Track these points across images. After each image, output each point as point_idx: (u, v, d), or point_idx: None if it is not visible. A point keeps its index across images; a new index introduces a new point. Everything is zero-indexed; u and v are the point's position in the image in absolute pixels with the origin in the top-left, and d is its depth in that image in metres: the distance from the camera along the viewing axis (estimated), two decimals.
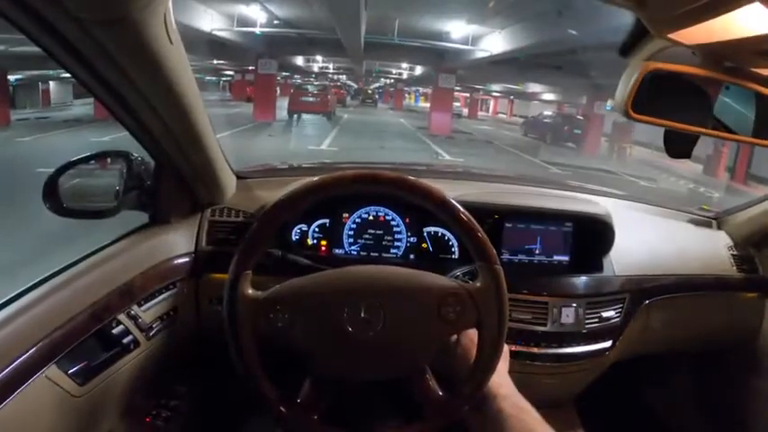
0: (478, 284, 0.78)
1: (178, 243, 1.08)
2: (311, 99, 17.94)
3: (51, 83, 18.23)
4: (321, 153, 10.98)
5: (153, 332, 0.99)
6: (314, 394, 0.80)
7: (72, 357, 0.82)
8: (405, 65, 23.67)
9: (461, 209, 0.79)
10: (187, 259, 1.08)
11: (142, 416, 1.12)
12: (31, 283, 0.84)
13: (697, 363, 1.53)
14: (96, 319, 0.86)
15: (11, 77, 16.43)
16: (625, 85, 0.59)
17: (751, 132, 0.65)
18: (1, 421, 0.70)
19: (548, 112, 21.13)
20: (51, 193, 0.94)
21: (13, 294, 0.81)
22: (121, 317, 0.92)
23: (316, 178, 0.81)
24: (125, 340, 0.92)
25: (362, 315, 0.76)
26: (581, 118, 18.90)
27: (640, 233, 1.29)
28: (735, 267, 1.33)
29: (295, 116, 17.85)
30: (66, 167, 0.97)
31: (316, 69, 30.85)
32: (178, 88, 0.81)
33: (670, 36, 0.54)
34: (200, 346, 1.18)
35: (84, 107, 15.55)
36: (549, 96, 25.61)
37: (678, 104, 0.61)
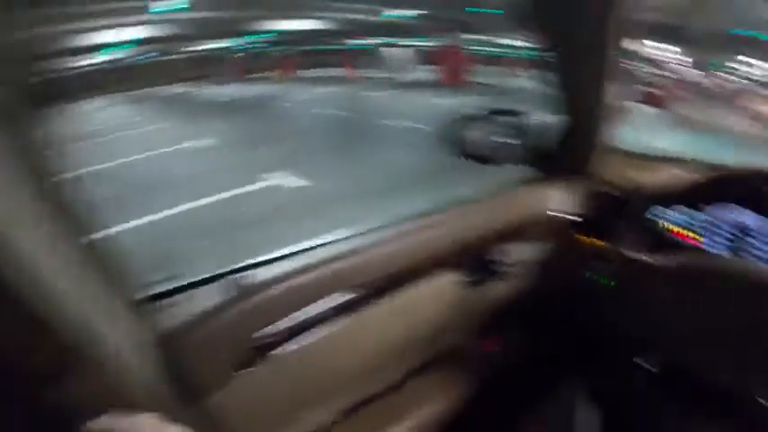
0: None
1: (557, 201, 1.14)
2: (657, 91, 15.92)
3: (392, 49, 20.04)
4: (681, 153, 9.67)
5: (521, 271, 1.10)
6: (662, 372, 0.92)
7: (458, 270, 0.98)
8: (757, 62, 18.96)
9: None
10: (563, 217, 1.14)
11: (489, 339, 1.19)
12: (433, 206, 1.01)
13: None
14: (482, 246, 1.02)
15: (359, 41, 19.61)
16: None
17: None
18: (392, 305, 0.86)
19: None
20: (454, 138, 1.12)
21: (419, 211, 0.99)
22: (501, 250, 1.05)
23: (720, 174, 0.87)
24: (500, 269, 1.05)
25: (739, 308, 0.78)
26: None
27: None
28: None
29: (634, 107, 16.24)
30: (466, 120, 1.13)
31: (652, 56, 27.19)
32: (611, 63, 0.95)
33: None
34: (550, 297, 1.21)
35: (428, 73, 16.91)
36: None
37: None
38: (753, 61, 18.58)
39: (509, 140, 1.12)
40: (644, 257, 0.85)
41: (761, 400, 0.82)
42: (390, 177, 5.54)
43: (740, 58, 18.75)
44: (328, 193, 5.09)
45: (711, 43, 15.42)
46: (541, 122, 1.14)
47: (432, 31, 14.98)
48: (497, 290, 1.07)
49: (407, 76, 17.45)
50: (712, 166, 1.05)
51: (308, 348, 0.77)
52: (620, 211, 0.90)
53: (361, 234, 0.88)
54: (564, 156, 1.16)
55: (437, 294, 0.95)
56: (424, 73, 17.39)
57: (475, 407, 1.09)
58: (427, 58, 18.21)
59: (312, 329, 0.78)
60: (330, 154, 6.92)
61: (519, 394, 1.18)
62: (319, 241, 0.86)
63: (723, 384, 0.86)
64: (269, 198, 5.22)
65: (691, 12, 10.75)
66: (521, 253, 1.09)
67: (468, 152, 1.12)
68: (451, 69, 14.75)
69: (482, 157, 1.13)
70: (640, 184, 0.97)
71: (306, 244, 0.86)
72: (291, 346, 0.76)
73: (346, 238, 0.87)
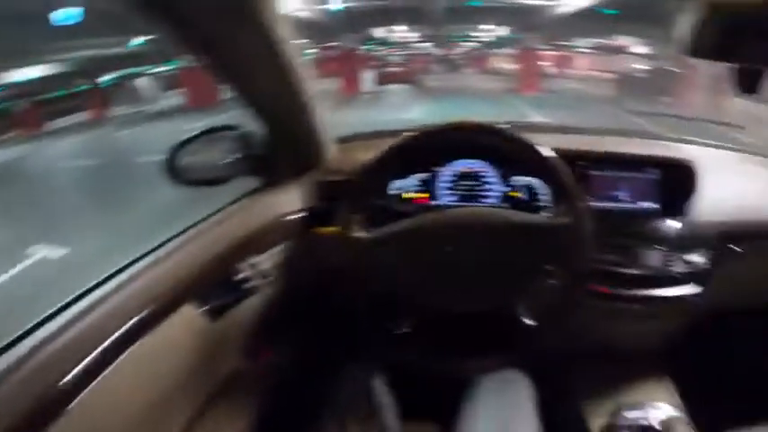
0: (566, 220, 0.84)
1: (288, 202, 1.17)
2: (396, 69, 18.54)
3: (140, 79, 19.19)
4: (410, 123, 10.99)
5: (269, 280, 1.08)
6: (414, 327, 0.93)
7: (204, 298, 0.92)
8: (488, 27, 23.07)
9: (550, 153, 0.86)
10: (297, 216, 1.17)
11: (261, 354, 1.19)
12: (169, 236, 0.97)
13: None
14: (223, 266, 0.97)
15: (104, 78, 18.14)
16: (688, 24, 0.59)
17: None
18: (145, 351, 0.78)
19: (641, 66, 19.45)
20: (171, 168, 1.05)
21: (155, 245, 0.95)
22: (243, 265, 1.02)
23: (408, 135, 0.90)
24: (247, 285, 1.02)
25: (462, 249, 0.85)
26: (676, 71, 17.34)
27: (728, 179, 1.25)
28: None
29: (381, 87, 18.22)
30: (182, 145, 1.07)
31: (398, 39, 30.80)
32: (290, 61, 0.95)
33: None
34: (310, 294, 1.28)
35: (174, 98, 16.44)
36: (640, 50, 23.50)
37: (746, 41, 0.58)
38: (486, 27, 22.21)
39: (230, 156, 1.12)
40: (368, 233, 0.89)
41: (523, 319, 0.92)
42: (145, 218, 5.58)
43: (479, 26, 22.20)
44: (90, 254, 4.75)
45: (451, 17, 17.80)
46: (259, 131, 1.15)
47: (173, 55, 14.61)
48: (251, 305, 1.05)
49: (156, 105, 16.83)
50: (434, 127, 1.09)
51: (77, 411, 0.69)
52: (346, 194, 0.91)
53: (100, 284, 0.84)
54: (287, 158, 1.19)
55: (189, 328, 0.89)
56: (173, 99, 16.96)
57: (273, 423, 1.12)
58: (174, 82, 17.65)
59: (79, 393, 0.70)
60: (87, 210, 6.77)
61: (312, 395, 1.17)
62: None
63: (476, 322, 0.93)
64: (38, 275, 4.65)
65: None
66: (265, 263, 1.08)
67: (191, 178, 1.08)
68: (197, 91, 14.65)
69: (206, 180, 1.11)
70: (366, 162, 0.97)
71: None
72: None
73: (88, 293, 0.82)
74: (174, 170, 1.04)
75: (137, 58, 15.37)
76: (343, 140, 1.34)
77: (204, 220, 1.05)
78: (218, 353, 0.98)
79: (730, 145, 1.49)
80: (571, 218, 0.84)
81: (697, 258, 1.14)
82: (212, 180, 1.11)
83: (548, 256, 0.87)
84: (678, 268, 1.14)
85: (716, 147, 1.44)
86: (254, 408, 1.12)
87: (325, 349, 1.38)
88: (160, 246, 0.94)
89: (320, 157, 1.23)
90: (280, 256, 1.13)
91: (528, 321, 0.90)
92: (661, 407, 1.15)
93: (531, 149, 0.86)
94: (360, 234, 0.88)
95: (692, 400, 1.24)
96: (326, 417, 1.08)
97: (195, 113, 13.05)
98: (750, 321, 1.45)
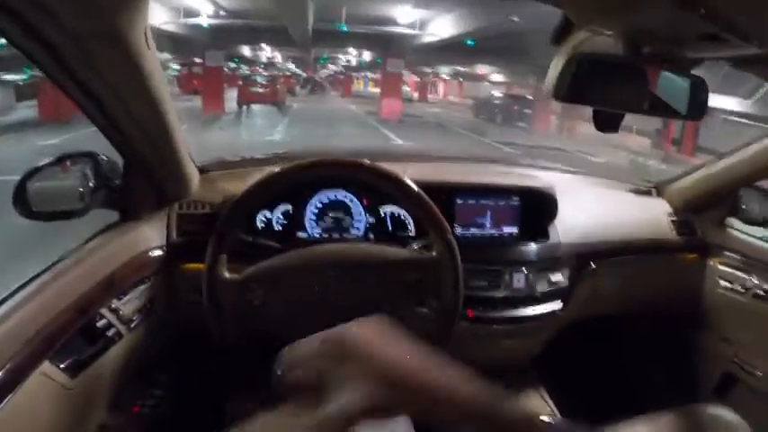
0: (434, 254, 0.87)
1: (150, 237, 1.11)
2: (260, 90, 17.87)
3: None
4: (274, 144, 10.78)
5: (134, 324, 1.01)
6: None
7: (62, 352, 0.84)
8: (353, 51, 23.59)
9: (414, 186, 0.88)
10: (160, 252, 1.11)
11: (130, 406, 1.16)
12: (18, 285, 0.86)
13: (649, 320, 1.61)
14: (81, 314, 0.88)
15: None
16: (555, 71, 0.63)
17: (686, 110, 0.67)
18: (2, 418, 0.70)
19: (497, 93, 21.29)
20: (20, 198, 0.95)
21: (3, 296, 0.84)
22: (104, 311, 0.94)
23: (278, 168, 0.89)
24: (109, 333, 0.94)
25: (331, 287, 0.86)
26: (531, 98, 19.07)
27: (584, 203, 1.37)
28: (674, 232, 1.43)
29: (245, 107, 17.64)
30: (33, 173, 0.96)
31: (264, 59, 30.28)
32: (152, 89, 0.86)
33: (592, 27, 0.60)
34: (179, 334, 1.22)
35: (28, 110, 14.40)
36: (498, 77, 25.82)
37: (609, 87, 0.63)
38: (352, 51, 22.60)
39: (87, 186, 1.00)
40: (234, 274, 0.87)
41: None
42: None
43: (345, 50, 22.51)
44: None
45: (318, 40, 17.77)
46: (118, 157, 1.07)
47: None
48: (116, 354, 0.96)
49: (8, 117, 14.25)
50: (292, 158, 1.07)
51: None
52: (212, 229, 0.88)
53: None
54: (148, 188, 1.12)
55: (48, 389, 0.81)
56: (26, 110, 14.70)
57: None
58: (28, 91, 15.25)
59: None
60: None
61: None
62: None
63: None
64: None
65: (281, 14, 11.79)
66: (128, 305, 0.99)
67: (43, 210, 0.97)
68: (52, 102, 12.53)
69: (60, 213, 0.99)
70: (233, 193, 0.95)
71: None
72: None
73: None
74: (23, 201, 0.95)
75: None
76: (207, 170, 1.28)
77: (58, 261, 0.94)
78: (83, 412, 0.91)
79: (583, 171, 1.68)
80: (439, 251, 0.87)
81: (558, 277, 1.24)
82: (67, 212, 0.99)
83: (418, 291, 0.88)
84: (541, 288, 1.22)
85: (571, 173, 1.62)
86: None
87: (203, 391, 1.32)
88: (8, 297, 0.83)
89: (184, 188, 1.17)
90: (143, 297, 1.05)
91: None
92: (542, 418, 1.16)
93: (395, 182, 0.88)
94: (226, 275, 0.85)
95: (565, 406, 1.36)
96: None
97: (48, 127, 11.59)
98: (607, 327, 1.60)
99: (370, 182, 0.92)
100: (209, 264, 0.86)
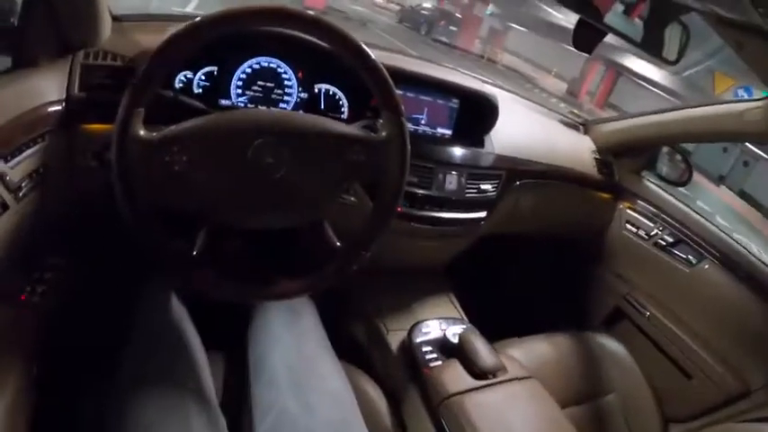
0: (384, 134, 0.78)
1: (47, 89, 0.89)
2: None
3: None
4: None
5: (23, 192, 0.82)
6: (210, 247, 0.77)
7: None
8: None
9: (373, 55, 0.76)
10: (58, 107, 0.89)
11: (16, 291, 0.98)
12: None
13: (557, 247, 1.74)
14: None
15: None
16: None
17: (674, 57, 0.80)
18: None
19: (427, 5, 21.19)
20: None
21: None
22: None
23: (220, 10, 0.71)
24: None
25: (266, 156, 0.74)
26: (459, 16, 19.12)
27: (518, 121, 1.37)
28: (596, 169, 1.50)
29: None
30: None
31: None
32: None
33: None
34: (77, 209, 1.03)
35: None
36: None
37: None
38: None
39: None
40: (153, 132, 0.71)
41: (330, 240, 0.84)
42: None
43: None
44: None
45: None
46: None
47: None
48: (2, 227, 0.77)
49: None
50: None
51: None
52: (126, 83, 0.71)
53: None
54: (47, 32, 0.92)
55: None
56: None
57: (62, 363, 1.01)
58: None
59: None
60: None
61: (105, 323, 1.02)
62: None
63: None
64: None
65: None
66: (16, 169, 0.79)
67: None
68: None
69: None
70: (150, 47, 0.74)
71: None
72: None
73: None
74: None
75: None
76: (122, 19, 1.08)
77: None
78: None
79: (522, 93, 1.71)
80: (389, 133, 0.78)
81: (487, 186, 1.25)
82: None
83: (360, 173, 0.79)
84: (470, 194, 1.22)
85: (508, 91, 1.64)
86: (32, 358, 0.94)
87: (104, 276, 1.19)
88: None
89: (93, 35, 0.97)
90: (35, 161, 0.86)
91: (337, 242, 0.82)
92: (453, 321, 1.26)
93: (354, 48, 0.74)
94: (143, 133, 0.70)
95: (471, 315, 1.41)
96: (127, 347, 0.91)
97: None
98: (517, 246, 1.67)
99: (328, 43, 0.74)
100: (121, 117, 0.70)
